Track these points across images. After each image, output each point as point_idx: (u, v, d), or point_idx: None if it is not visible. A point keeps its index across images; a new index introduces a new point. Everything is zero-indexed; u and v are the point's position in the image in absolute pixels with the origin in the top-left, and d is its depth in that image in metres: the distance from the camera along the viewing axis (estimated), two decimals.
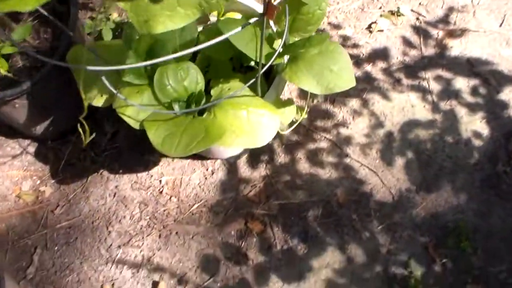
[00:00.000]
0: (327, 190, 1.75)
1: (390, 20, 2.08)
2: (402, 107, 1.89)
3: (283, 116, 1.42)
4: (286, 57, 1.35)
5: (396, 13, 2.10)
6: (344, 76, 1.26)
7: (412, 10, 2.11)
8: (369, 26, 2.07)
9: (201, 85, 1.32)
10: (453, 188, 1.76)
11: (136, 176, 1.81)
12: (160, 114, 1.28)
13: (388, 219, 1.71)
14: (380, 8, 2.12)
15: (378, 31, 2.05)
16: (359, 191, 1.75)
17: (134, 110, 1.27)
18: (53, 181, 1.81)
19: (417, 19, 2.09)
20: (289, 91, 1.94)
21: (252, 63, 1.52)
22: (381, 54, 2.01)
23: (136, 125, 1.27)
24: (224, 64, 1.48)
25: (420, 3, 2.13)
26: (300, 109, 1.73)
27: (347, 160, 1.80)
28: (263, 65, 1.17)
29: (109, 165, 1.83)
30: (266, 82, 1.47)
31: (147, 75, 1.33)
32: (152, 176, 1.81)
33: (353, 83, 1.27)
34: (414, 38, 2.05)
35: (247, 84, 1.15)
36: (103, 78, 1.18)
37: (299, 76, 1.25)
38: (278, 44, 1.29)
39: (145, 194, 1.77)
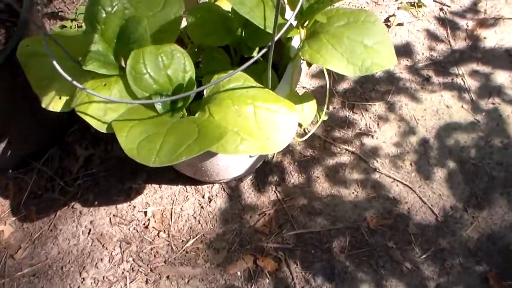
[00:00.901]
0: (354, 214, 1.42)
1: (410, 12, 1.79)
2: (436, 109, 1.58)
3: (301, 115, 1.09)
4: (301, 33, 1.02)
5: (416, 4, 1.82)
6: (383, 52, 0.96)
7: (434, 0, 1.81)
8: (387, 20, 1.80)
9: (190, 74, 0.99)
10: (510, 202, 1.43)
11: (115, 208, 1.50)
12: (136, 111, 0.94)
13: (433, 246, 1.39)
14: (397, 0, 1.82)
15: (398, 24, 1.79)
16: (394, 213, 1.42)
17: (100, 108, 0.95)
18: (14, 218, 1.52)
19: (441, 9, 1.81)
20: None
21: (255, 54, 1.19)
22: (403, 50, 1.72)
23: (102, 128, 0.95)
24: (220, 57, 1.16)
25: None
26: (318, 110, 1.39)
27: (376, 176, 1.47)
28: (270, 50, 0.83)
29: (83, 196, 1.54)
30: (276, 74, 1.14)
31: (118, 65, 1.00)
32: (135, 207, 1.48)
33: (394, 61, 0.98)
34: (440, 31, 1.75)
35: (247, 64, 0.81)
36: (56, 64, 0.85)
37: (323, 54, 0.94)
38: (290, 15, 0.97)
39: (127, 230, 1.45)
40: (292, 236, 1.41)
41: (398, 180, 1.48)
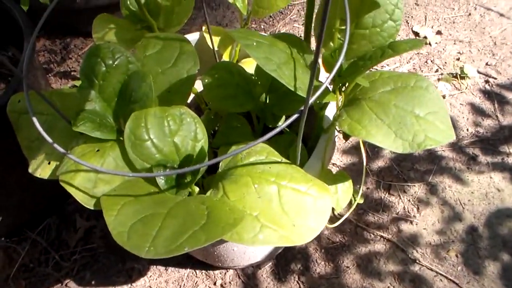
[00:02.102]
0: None
1: (452, 84, 1.63)
2: (485, 192, 1.38)
3: (334, 198, 0.91)
4: (338, 99, 0.86)
5: (458, 75, 1.65)
6: (438, 124, 0.78)
7: (478, 72, 1.64)
8: None
9: (202, 144, 0.82)
10: None
11: None
12: (133, 185, 0.77)
13: None
14: (437, 71, 1.68)
15: None
16: None
17: (89, 178, 0.78)
18: None
19: (487, 81, 1.64)
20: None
21: (282, 123, 1.03)
22: None
23: (89, 203, 0.77)
24: (240, 125, 0.99)
25: (487, 63, 1.68)
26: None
27: (416, 268, 1.27)
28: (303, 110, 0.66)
29: (79, 273, 1.37)
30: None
31: (116, 128, 0.84)
32: None
33: (452, 135, 0.80)
34: (487, 105, 1.58)
35: (271, 134, 0.63)
36: (35, 121, 0.69)
37: (365, 125, 0.76)
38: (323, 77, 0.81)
39: None
40: None
41: (442, 274, 1.26)
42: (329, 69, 0.85)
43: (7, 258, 1.40)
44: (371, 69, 0.87)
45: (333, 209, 0.92)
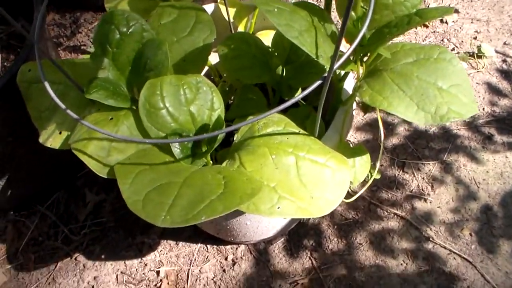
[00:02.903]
0: None
1: (468, 63, 1.60)
2: (500, 172, 1.36)
3: (352, 171, 0.89)
4: (359, 70, 0.83)
5: (475, 54, 1.61)
6: (461, 97, 0.76)
7: (496, 51, 1.61)
8: None
9: (218, 113, 0.80)
10: None
11: (124, 264, 1.30)
12: (147, 154, 0.75)
13: None
14: (454, 49, 1.65)
15: None
16: None
17: (102, 146, 0.76)
18: (9, 266, 1.35)
19: (504, 61, 1.61)
20: None
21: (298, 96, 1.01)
22: None
23: (103, 171, 0.76)
24: (255, 97, 0.97)
25: (504, 43, 1.65)
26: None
27: (429, 246, 1.25)
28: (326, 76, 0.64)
29: (88, 247, 1.36)
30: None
31: (130, 96, 0.82)
32: (146, 265, 1.28)
33: (474, 109, 0.77)
34: (503, 84, 1.55)
35: (289, 103, 0.61)
36: (47, 86, 0.67)
37: (387, 96, 0.74)
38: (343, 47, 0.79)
39: None
40: None
41: (455, 252, 1.25)
42: (350, 39, 0.83)
43: (16, 232, 1.39)
44: (392, 42, 0.85)
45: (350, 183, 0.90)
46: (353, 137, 1.46)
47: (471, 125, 1.47)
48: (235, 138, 0.83)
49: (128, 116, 0.79)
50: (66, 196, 1.43)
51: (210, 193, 0.66)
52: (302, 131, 0.81)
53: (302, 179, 0.75)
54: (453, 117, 0.74)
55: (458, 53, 1.64)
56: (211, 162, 0.84)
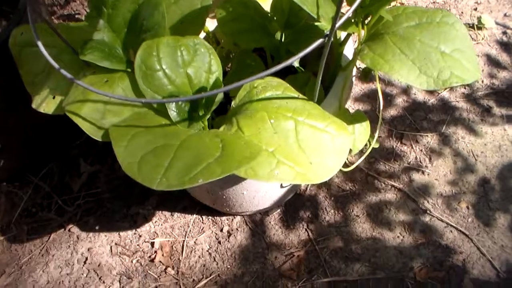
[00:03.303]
0: (398, 263, 1.18)
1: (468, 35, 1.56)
2: (498, 144, 1.35)
3: (351, 138, 0.87)
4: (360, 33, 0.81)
5: (475, 25, 1.59)
6: (464, 62, 0.74)
7: (496, 23, 1.59)
8: None
9: (216, 76, 0.78)
10: None
11: (118, 235, 1.29)
12: (143, 117, 0.73)
13: None
14: None
15: None
16: (446, 264, 1.19)
17: (97, 108, 0.74)
18: (2, 237, 1.33)
19: (504, 33, 1.59)
20: None
21: (296, 63, 0.99)
22: None
23: (97, 134, 0.74)
24: (253, 63, 0.95)
25: (505, 14, 1.63)
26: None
27: (426, 218, 1.24)
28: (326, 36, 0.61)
29: (82, 218, 1.34)
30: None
31: (126, 59, 0.79)
32: (141, 236, 1.27)
33: (477, 74, 0.77)
34: (503, 57, 1.53)
35: (286, 63, 0.59)
36: (41, 47, 0.65)
37: (388, 59, 0.73)
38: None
39: (129, 262, 1.23)
40: (323, 284, 1.17)
41: (452, 225, 1.24)
42: (350, 1, 0.81)
43: (9, 203, 1.37)
44: (394, 4, 0.83)
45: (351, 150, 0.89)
46: (351, 108, 1.44)
47: (470, 97, 1.46)
48: (232, 103, 0.81)
49: (123, 78, 0.77)
50: (60, 166, 1.41)
51: (208, 156, 0.64)
52: (301, 95, 0.80)
53: (301, 144, 0.74)
54: (456, 82, 0.72)
55: None
56: (207, 128, 0.82)
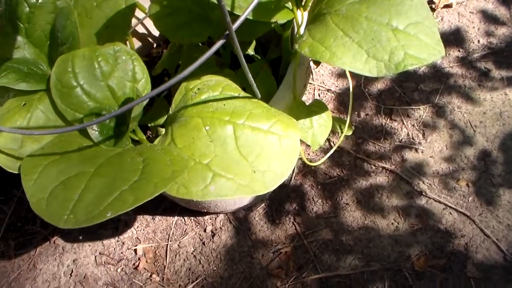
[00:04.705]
0: (394, 252, 1.10)
1: None
2: (499, 111, 1.25)
3: (308, 134, 0.78)
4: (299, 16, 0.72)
5: None
6: (422, 38, 0.64)
7: None
8: (430, 2, 1.46)
9: (142, 84, 0.69)
10: None
11: (102, 244, 1.24)
12: (67, 140, 0.66)
13: None
14: None
15: (445, 6, 1.48)
16: (447, 250, 1.10)
17: (13, 137, 0.67)
18: None
19: None
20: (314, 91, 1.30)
21: (251, 51, 0.90)
22: (453, 38, 1.39)
23: (13, 166, 0.66)
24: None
25: None
26: (339, 122, 1.07)
27: (422, 201, 1.15)
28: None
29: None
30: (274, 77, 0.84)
31: (49, 74, 0.72)
32: (124, 243, 1.21)
33: (440, 51, 0.65)
34: (501, 11, 1.41)
35: (205, 56, 0.51)
36: None
37: (329, 45, 0.63)
38: None
39: (114, 271, 1.18)
40: (314, 281, 1.10)
41: (451, 207, 1.15)
42: None
43: None
44: None
45: (310, 147, 0.80)
46: (334, 85, 1.34)
47: (465, 60, 1.34)
48: (170, 109, 0.73)
49: (43, 98, 0.69)
50: None
51: (123, 182, 0.56)
52: (243, 93, 0.71)
53: (241, 151, 0.66)
54: (411, 64, 0.62)
55: None
56: (145, 139, 0.74)
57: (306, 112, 0.78)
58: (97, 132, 0.66)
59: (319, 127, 0.79)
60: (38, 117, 0.68)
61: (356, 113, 1.27)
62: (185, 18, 0.81)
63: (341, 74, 1.36)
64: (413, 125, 1.26)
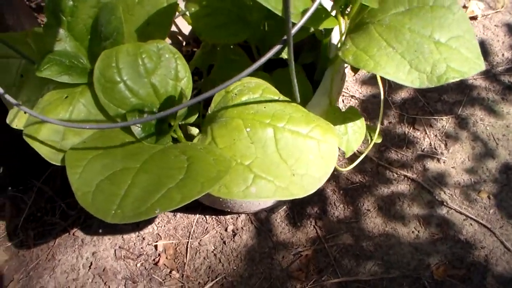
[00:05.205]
0: (413, 260, 1.11)
1: (485, 2, 1.46)
2: None
3: (343, 140, 0.79)
4: (342, 24, 0.73)
5: None
6: (464, 52, 0.65)
7: None
8: None
9: (185, 82, 0.70)
10: None
11: (122, 238, 1.24)
12: (108, 135, 0.67)
13: None
14: None
15: (470, 19, 1.43)
16: (467, 261, 1.10)
17: (55, 130, 0.68)
18: (9, 243, 1.30)
19: None
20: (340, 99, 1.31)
21: (285, 55, 0.91)
22: None
23: (56, 159, 0.68)
24: (237, 58, 0.88)
25: None
26: (369, 129, 1.08)
27: (443, 211, 1.16)
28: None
29: (85, 221, 1.30)
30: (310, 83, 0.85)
31: (89, 69, 0.73)
32: (144, 239, 1.22)
33: (480, 65, 0.66)
34: None
35: (256, 65, 0.52)
36: None
37: (373, 54, 0.64)
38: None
39: (133, 266, 1.19)
40: (334, 284, 1.11)
41: (472, 218, 1.15)
42: None
43: (15, 208, 1.35)
44: None
45: (344, 153, 0.81)
46: (358, 91, 1.35)
47: (489, 73, 1.35)
48: (209, 109, 0.74)
49: (85, 92, 0.71)
50: (61, 169, 1.36)
51: (169, 180, 0.58)
52: (282, 97, 0.72)
53: (281, 154, 0.67)
54: (453, 77, 0.63)
55: None
56: (183, 138, 0.75)
57: (341, 119, 0.80)
58: (139, 129, 0.68)
59: (353, 134, 0.80)
60: (80, 111, 0.70)
61: (373, 124, 1.28)
62: (224, 19, 0.82)
63: (365, 81, 1.37)
64: (436, 135, 1.27)
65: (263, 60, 0.51)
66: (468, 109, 1.30)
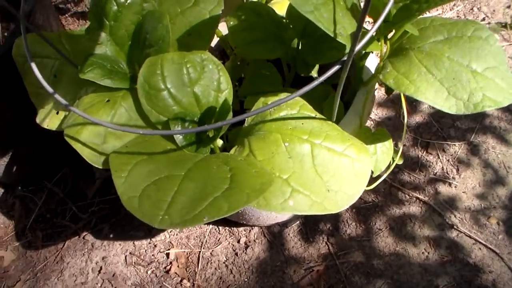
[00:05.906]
0: (422, 281, 1.13)
1: (500, 34, 1.50)
2: None
3: (373, 159, 0.82)
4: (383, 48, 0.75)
5: (508, 25, 1.51)
6: (499, 83, 0.68)
7: None
8: None
9: (226, 94, 0.73)
10: None
11: (133, 245, 1.25)
12: (148, 140, 0.68)
13: None
14: (484, 19, 1.54)
15: None
16: (475, 284, 1.13)
17: (98, 132, 0.69)
18: (17, 243, 1.31)
19: None
20: None
21: (314, 73, 0.93)
22: None
23: (98, 161, 0.69)
24: (269, 73, 0.90)
25: None
26: None
27: (453, 234, 1.18)
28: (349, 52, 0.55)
29: (96, 225, 1.31)
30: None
31: (131, 75, 0.75)
32: (156, 246, 1.23)
33: None
34: None
35: (310, 86, 0.54)
36: (33, 66, 0.61)
37: (414, 79, 0.66)
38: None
39: (144, 273, 1.20)
40: None
41: (481, 242, 1.17)
42: (372, 14, 0.74)
43: (24, 208, 1.35)
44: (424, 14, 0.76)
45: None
46: (375, 113, 1.38)
47: None
48: (245, 121, 0.76)
49: (126, 97, 0.72)
50: (73, 172, 1.38)
51: (214, 189, 0.59)
52: (318, 115, 0.74)
53: (317, 170, 0.68)
54: (489, 105, 0.66)
55: (489, 23, 1.54)
56: (220, 143, 0.77)
57: (371, 139, 0.82)
58: (181, 137, 0.69)
59: (382, 154, 0.83)
60: (121, 115, 0.71)
61: (394, 142, 1.31)
62: (260, 34, 0.84)
63: (381, 104, 1.40)
64: (448, 160, 1.29)
65: (321, 79, 0.53)
66: (480, 136, 1.32)
